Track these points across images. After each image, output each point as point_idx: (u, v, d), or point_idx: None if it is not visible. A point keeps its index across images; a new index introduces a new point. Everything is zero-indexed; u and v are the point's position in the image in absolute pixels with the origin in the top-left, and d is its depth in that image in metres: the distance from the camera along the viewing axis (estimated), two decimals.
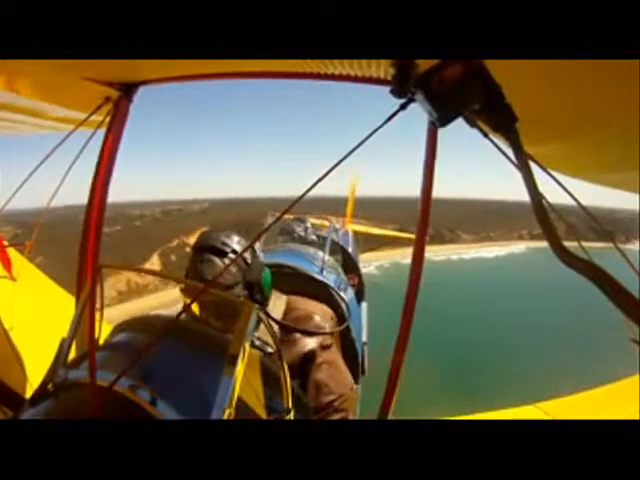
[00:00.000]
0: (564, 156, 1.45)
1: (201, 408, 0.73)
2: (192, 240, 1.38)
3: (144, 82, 1.40)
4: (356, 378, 2.03)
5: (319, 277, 2.18)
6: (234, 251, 1.28)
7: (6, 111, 1.81)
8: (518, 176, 0.73)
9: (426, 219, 1.30)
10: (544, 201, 0.73)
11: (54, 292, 3.24)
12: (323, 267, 2.37)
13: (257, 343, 1.29)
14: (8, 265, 2.65)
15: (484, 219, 46.07)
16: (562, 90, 0.92)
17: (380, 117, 0.89)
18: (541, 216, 0.67)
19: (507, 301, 22.94)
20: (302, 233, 3.16)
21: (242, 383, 0.75)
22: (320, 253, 2.65)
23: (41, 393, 0.84)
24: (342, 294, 2.23)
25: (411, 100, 0.87)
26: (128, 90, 1.40)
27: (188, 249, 1.34)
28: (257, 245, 2.46)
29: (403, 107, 0.90)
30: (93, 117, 1.54)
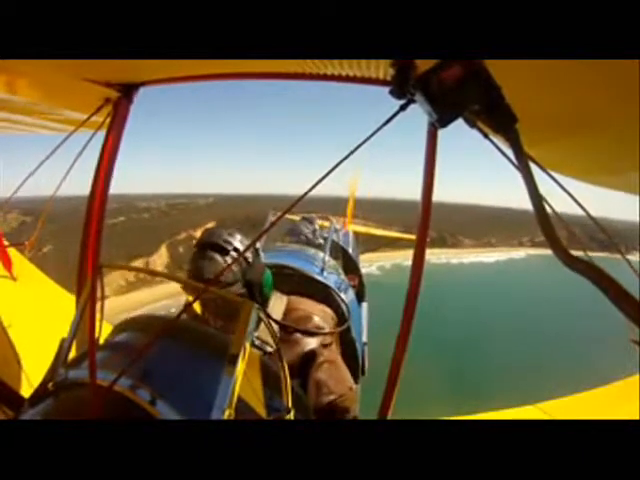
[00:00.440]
0: (564, 157, 1.45)
1: (201, 408, 0.73)
2: (199, 234, 1.39)
3: (144, 82, 1.40)
4: (356, 378, 2.03)
5: (319, 278, 2.18)
6: (236, 249, 1.28)
7: (6, 111, 1.81)
8: (522, 184, 0.73)
9: (427, 220, 1.30)
10: (545, 202, 0.73)
11: (54, 292, 3.24)
12: (323, 268, 2.37)
13: (257, 342, 1.29)
14: (8, 265, 2.65)
15: (486, 225, 46.89)
16: (562, 90, 0.92)
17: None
18: (541, 217, 0.67)
19: (502, 304, 23.59)
20: (310, 235, 3.15)
21: (242, 383, 0.75)
22: (320, 254, 2.65)
23: (41, 393, 0.84)
24: (342, 295, 2.23)
25: (411, 101, 0.87)
26: (128, 91, 1.40)
27: (195, 242, 1.35)
28: (259, 245, 2.47)
29: (403, 108, 0.90)
30: (93, 118, 1.54)
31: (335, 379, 1.36)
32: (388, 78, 1.08)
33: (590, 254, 1.35)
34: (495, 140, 1.13)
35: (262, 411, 0.89)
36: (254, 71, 1.25)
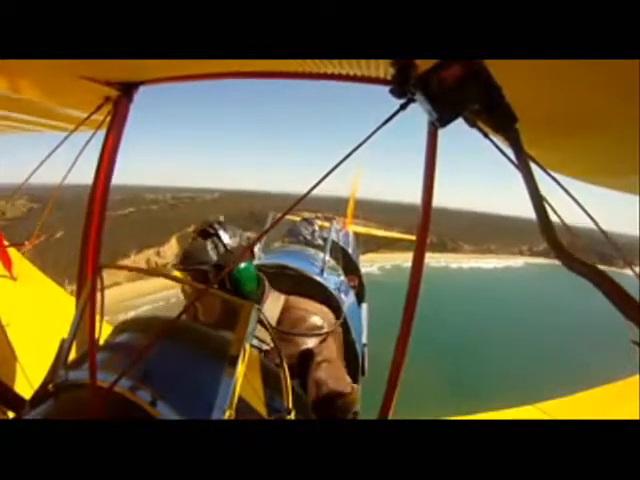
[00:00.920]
0: (564, 157, 1.45)
1: (201, 409, 0.73)
2: None
3: (144, 82, 1.40)
4: (356, 379, 2.03)
5: (319, 278, 2.18)
6: (217, 236, 1.38)
7: (6, 111, 1.81)
8: (524, 192, 0.73)
9: (427, 220, 1.29)
10: (545, 202, 0.73)
11: (54, 292, 3.23)
12: (323, 268, 2.37)
13: (255, 342, 1.29)
14: (8, 265, 2.65)
15: (486, 232, 47.77)
16: (562, 90, 0.92)
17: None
18: (542, 217, 0.67)
19: (496, 308, 24.71)
20: (309, 236, 3.15)
21: (242, 383, 0.75)
22: (320, 254, 2.65)
23: (41, 394, 0.84)
24: (342, 295, 2.23)
25: (411, 100, 0.87)
26: (128, 90, 1.40)
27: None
28: (258, 244, 2.47)
29: (403, 107, 0.90)
30: (93, 117, 1.54)
31: (335, 378, 1.36)
32: (388, 77, 1.08)
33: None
34: (495, 140, 1.13)
35: (262, 411, 0.89)
36: (254, 70, 1.25)
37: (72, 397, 0.83)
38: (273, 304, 1.45)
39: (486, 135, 1.08)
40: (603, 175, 1.60)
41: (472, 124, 0.96)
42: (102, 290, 0.95)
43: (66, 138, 1.70)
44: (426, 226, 1.30)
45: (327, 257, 2.55)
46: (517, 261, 42.87)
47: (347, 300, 2.37)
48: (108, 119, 1.50)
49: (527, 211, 0.71)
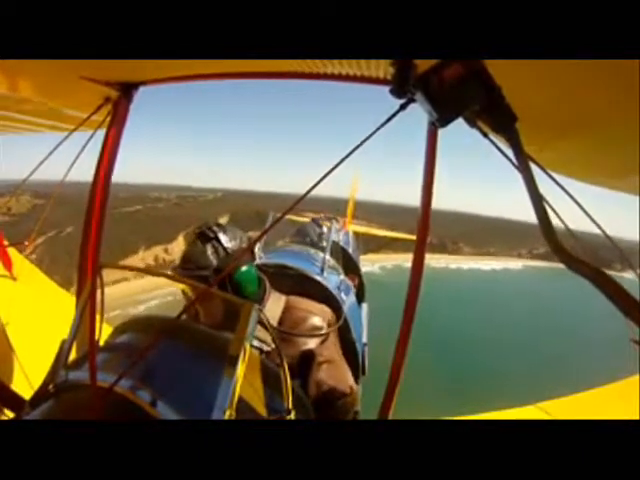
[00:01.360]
0: (564, 157, 1.45)
1: (201, 409, 0.72)
2: None
3: (144, 82, 1.40)
4: (357, 378, 2.03)
5: (319, 278, 2.18)
6: (217, 239, 1.36)
7: (6, 111, 1.81)
8: (524, 195, 0.72)
9: (427, 221, 1.30)
10: (545, 202, 0.73)
11: (54, 292, 3.24)
12: (323, 268, 2.37)
13: (255, 342, 1.29)
14: (8, 265, 2.65)
15: (486, 235, 48.55)
16: (562, 90, 0.92)
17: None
18: (542, 217, 0.67)
19: (492, 307, 26.00)
20: (315, 238, 3.15)
21: (243, 384, 0.75)
22: (320, 254, 2.65)
23: (42, 394, 0.84)
24: (342, 295, 2.23)
25: (411, 100, 0.87)
26: (128, 90, 1.40)
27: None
28: (258, 245, 2.46)
29: (403, 107, 0.90)
30: (93, 117, 1.54)
31: (335, 378, 1.36)
32: (388, 77, 1.08)
33: None
34: (495, 140, 1.13)
35: (262, 411, 0.89)
36: (254, 70, 1.25)
37: (72, 397, 0.83)
38: (274, 304, 1.45)
39: (486, 135, 1.08)
40: (603, 175, 1.60)
41: (472, 124, 0.96)
42: (102, 290, 0.95)
43: (66, 138, 1.70)
44: (426, 226, 1.31)
45: (327, 257, 2.55)
46: (516, 264, 43.70)
47: (347, 300, 2.37)
48: (108, 119, 1.50)
49: (527, 215, 0.71)
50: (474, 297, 28.50)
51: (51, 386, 0.85)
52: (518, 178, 0.76)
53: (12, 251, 2.78)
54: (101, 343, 0.99)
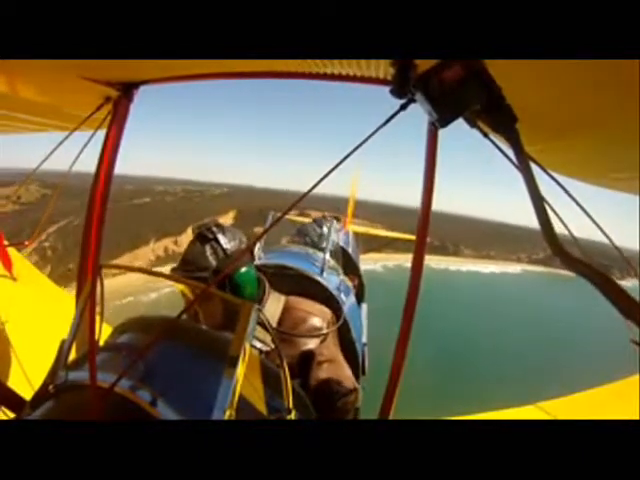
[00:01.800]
0: (564, 157, 1.45)
1: (201, 409, 0.72)
2: (222, 220, 1.45)
3: (144, 82, 1.40)
4: (357, 379, 2.03)
5: (319, 278, 2.18)
6: (216, 240, 1.36)
7: (6, 111, 1.81)
8: (527, 199, 0.72)
9: (426, 221, 1.30)
10: (545, 203, 0.73)
11: (54, 292, 3.23)
12: (323, 268, 2.37)
13: (255, 342, 1.29)
14: (8, 265, 2.64)
15: (487, 238, 49.72)
16: (562, 90, 0.92)
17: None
18: (542, 217, 0.67)
19: (490, 307, 27.16)
20: (315, 238, 3.14)
21: (243, 383, 0.75)
22: (320, 254, 2.64)
23: (42, 395, 0.84)
24: (342, 295, 2.23)
25: (411, 100, 0.87)
26: (128, 90, 1.40)
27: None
28: (258, 245, 2.46)
29: (403, 107, 0.90)
30: (93, 116, 1.54)
31: (336, 378, 1.36)
32: (388, 77, 1.08)
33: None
34: (495, 140, 1.13)
35: (263, 411, 0.89)
36: (254, 70, 1.25)
37: (72, 398, 0.82)
38: (274, 305, 1.45)
39: (486, 135, 1.08)
40: (603, 175, 1.60)
41: (472, 124, 0.96)
42: (102, 290, 0.95)
43: (66, 138, 1.70)
44: (426, 226, 1.31)
45: (327, 257, 2.54)
46: (515, 268, 44.79)
47: (347, 300, 2.37)
48: (108, 119, 1.50)
49: (527, 220, 0.71)
50: (472, 298, 29.48)
51: (51, 386, 0.85)
52: (520, 182, 0.76)
53: (12, 251, 2.78)
54: (101, 343, 0.99)
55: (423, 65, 0.81)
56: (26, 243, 2.76)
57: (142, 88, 1.43)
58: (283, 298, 1.51)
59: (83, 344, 0.97)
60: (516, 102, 0.78)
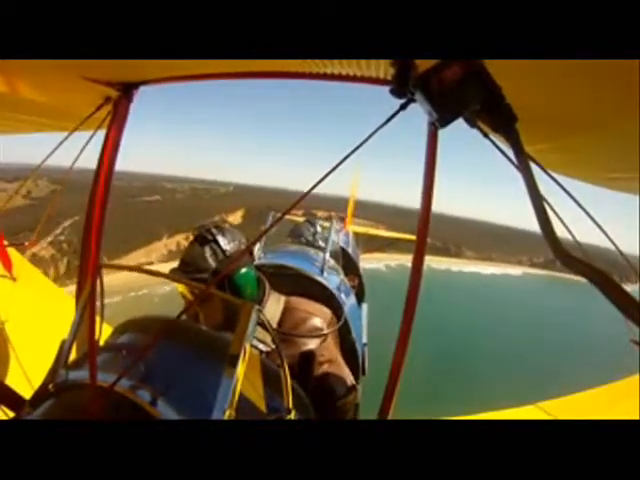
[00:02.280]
0: (564, 157, 1.45)
1: (201, 409, 0.73)
2: (231, 218, 1.47)
3: (144, 82, 1.40)
4: (356, 379, 2.03)
5: (319, 278, 2.18)
6: (215, 241, 1.36)
7: (6, 111, 1.81)
8: (528, 203, 0.72)
9: (427, 221, 1.29)
10: (545, 203, 0.73)
11: (54, 292, 3.24)
12: (323, 268, 2.36)
13: (257, 344, 1.29)
14: (8, 265, 2.64)
15: (489, 241, 50.78)
16: (562, 90, 0.92)
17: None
18: (541, 217, 0.67)
19: (489, 307, 27.90)
20: (310, 238, 3.15)
21: (243, 383, 0.75)
22: (320, 254, 2.64)
23: (42, 394, 0.84)
24: (342, 295, 2.23)
25: (411, 100, 0.87)
26: (128, 90, 1.40)
27: (227, 226, 1.45)
28: (258, 245, 2.46)
29: (403, 107, 0.90)
30: (93, 117, 1.54)
31: (336, 378, 1.36)
32: (388, 77, 1.08)
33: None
34: (495, 140, 1.13)
35: (263, 411, 0.89)
36: (254, 70, 1.25)
37: (72, 397, 0.83)
38: (274, 305, 1.45)
39: (486, 135, 1.08)
40: (603, 175, 1.60)
41: (472, 124, 0.96)
42: (102, 290, 0.95)
43: (66, 138, 1.70)
44: (426, 226, 1.30)
45: (327, 257, 2.54)
46: (516, 270, 45.68)
47: (347, 300, 2.37)
48: (108, 119, 1.50)
49: (529, 223, 0.71)
50: (473, 298, 30.24)
51: (51, 386, 0.85)
52: (522, 185, 0.75)
53: (12, 251, 2.78)
54: (101, 343, 0.99)
55: (423, 65, 0.81)
56: (26, 244, 2.76)
57: (142, 88, 1.43)
58: (283, 298, 1.51)
59: (83, 344, 0.97)
60: (516, 102, 0.78)
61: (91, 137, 1.65)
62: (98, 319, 0.89)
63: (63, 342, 0.92)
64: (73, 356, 0.95)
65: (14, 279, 2.63)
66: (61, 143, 1.70)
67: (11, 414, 1.00)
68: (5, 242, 2.69)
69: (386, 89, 0.94)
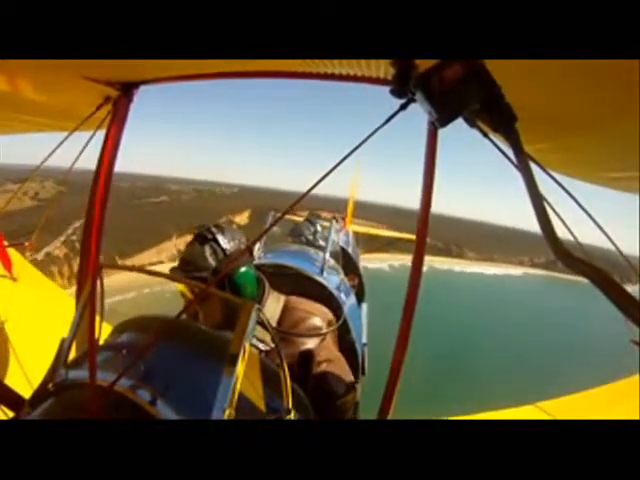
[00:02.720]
0: (564, 157, 1.45)
1: (201, 408, 0.72)
2: (238, 219, 1.46)
3: (144, 82, 1.40)
4: (356, 378, 2.03)
5: (319, 278, 2.18)
6: (215, 240, 1.36)
7: (6, 110, 1.81)
8: (529, 203, 0.71)
9: (426, 221, 1.29)
10: (545, 202, 0.73)
11: (54, 292, 3.24)
12: (323, 268, 2.36)
13: (257, 344, 1.29)
14: (8, 265, 2.64)
15: (491, 242, 51.37)
16: (562, 90, 0.92)
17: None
18: (541, 217, 0.67)
19: (489, 306, 28.20)
20: (310, 237, 3.15)
21: (242, 383, 0.75)
22: (320, 254, 2.64)
23: (41, 393, 0.84)
24: (342, 295, 2.23)
25: (411, 100, 0.87)
26: (128, 90, 1.40)
27: (235, 226, 1.43)
28: (258, 245, 2.46)
29: (403, 107, 0.90)
30: (93, 117, 1.54)
31: (335, 378, 1.36)
32: (388, 77, 1.08)
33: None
34: (495, 140, 1.13)
35: (262, 411, 0.89)
36: (254, 70, 1.25)
37: (72, 396, 0.83)
38: (273, 305, 1.45)
39: (486, 135, 1.08)
40: (603, 175, 1.60)
41: (472, 124, 0.96)
42: (102, 290, 0.95)
43: (66, 138, 1.70)
44: (425, 226, 1.30)
45: (327, 256, 2.54)
46: (517, 271, 46.14)
47: (347, 300, 2.37)
48: (108, 119, 1.50)
49: (530, 224, 0.71)
50: (474, 298, 30.53)
51: (51, 385, 0.85)
52: (523, 186, 0.75)
53: (12, 252, 2.77)
54: (101, 342, 0.99)
55: (423, 65, 0.81)
56: (26, 244, 2.75)
57: (142, 88, 1.43)
58: (283, 298, 1.51)
59: (83, 343, 0.97)
60: (516, 102, 0.78)
61: (91, 137, 1.65)
62: (98, 319, 0.89)
63: (63, 341, 0.92)
64: (73, 355, 0.95)
65: (14, 279, 2.63)
66: (61, 143, 1.70)
67: (11, 414, 1.01)
68: (5, 242, 2.69)
69: (386, 89, 0.94)
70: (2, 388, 1.07)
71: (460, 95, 0.76)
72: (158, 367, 0.85)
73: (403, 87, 0.87)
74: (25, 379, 1.75)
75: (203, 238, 1.37)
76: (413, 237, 1.35)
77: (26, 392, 0.95)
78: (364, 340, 2.62)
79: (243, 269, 1.37)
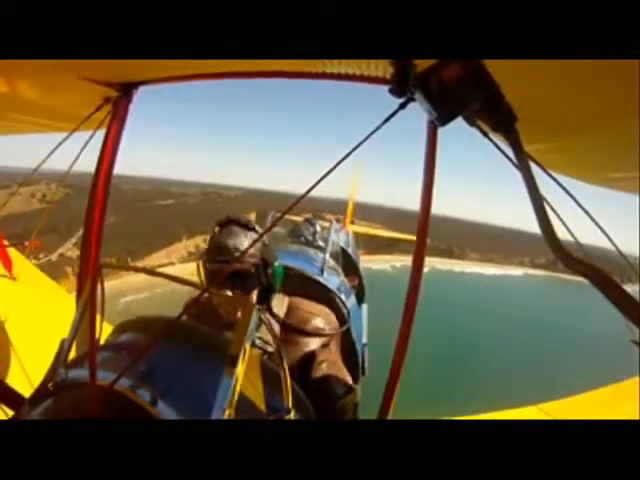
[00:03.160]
0: (564, 157, 1.45)
1: (201, 408, 0.72)
2: None
3: (144, 82, 1.40)
4: (356, 379, 2.03)
5: (320, 279, 2.17)
6: (254, 229, 1.38)
7: (5, 111, 1.81)
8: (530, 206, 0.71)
9: (426, 221, 1.29)
10: (545, 202, 0.73)
11: (54, 292, 3.24)
12: (323, 268, 2.36)
13: (258, 343, 1.29)
14: (8, 265, 2.64)
15: (492, 242, 52.07)
16: (562, 90, 0.92)
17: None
18: (541, 217, 0.67)
19: (488, 309, 28.14)
20: (310, 237, 3.16)
21: (243, 383, 0.75)
22: (320, 254, 2.64)
23: (41, 393, 0.84)
24: (343, 296, 2.23)
25: (410, 99, 0.87)
26: (128, 90, 1.40)
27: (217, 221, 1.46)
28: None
29: (402, 106, 0.90)
30: (93, 117, 1.54)
31: (335, 379, 1.36)
32: (388, 77, 1.08)
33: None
34: (495, 139, 1.13)
35: (263, 411, 0.88)
36: (254, 70, 1.25)
37: (72, 396, 0.83)
38: (278, 305, 1.45)
39: (486, 134, 1.08)
40: (603, 175, 1.59)
41: (472, 123, 0.96)
42: (102, 290, 0.95)
43: (66, 138, 1.70)
44: (426, 226, 1.30)
45: (327, 257, 2.54)
46: (517, 271, 46.69)
47: (348, 301, 2.37)
48: (108, 119, 1.50)
49: (530, 225, 0.71)
50: (475, 298, 30.94)
51: (51, 384, 0.85)
52: (523, 187, 0.75)
53: (12, 251, 2.78)
54: (101, 342, 0.99)
55: (422, 65, 0.81)
56: (26, 244, 2.76)
57: (142, 88, 1.43)
58: (286, 298, 1.51)
59: (83, 343, 0.97)
60: (516, 101, 0.78)
61: (91, 137, 1.65)
62: (98, 319, 0.89)
63: (63, 341, 0.92)
64: (73, 355, 0.95)
65: (14, 279, 2.63)
66: (60, 144, 1.70)
67: (11, 413, 1.01)
68: (5, 242, 2.69)
69: (385, 89, 0.94)
70: (2, 387, 1.07)
71: (459, 94, 0.76)
72: (158, 367, 0.85)
73: (402, 86, 0.87)
74: (25, 378, 1.75)
75: (244, 227, 1.37)
76: (413, 238, 1.35)
77: (26, 391, 0.95)
78: (364, 340, 2.62)
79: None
